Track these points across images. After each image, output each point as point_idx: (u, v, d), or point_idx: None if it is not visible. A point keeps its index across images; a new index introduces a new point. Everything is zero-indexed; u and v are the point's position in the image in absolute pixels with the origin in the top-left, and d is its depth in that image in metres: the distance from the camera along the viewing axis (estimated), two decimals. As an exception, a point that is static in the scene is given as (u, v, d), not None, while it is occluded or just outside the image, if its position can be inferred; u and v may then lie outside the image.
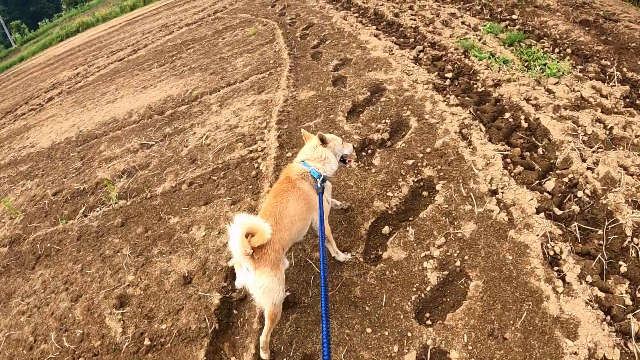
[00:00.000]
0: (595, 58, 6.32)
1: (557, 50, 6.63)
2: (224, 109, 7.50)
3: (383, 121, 5.52)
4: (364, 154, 5.18)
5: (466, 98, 5.64)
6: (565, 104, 5.20)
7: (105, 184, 6.32)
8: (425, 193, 4.36)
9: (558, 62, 5.97)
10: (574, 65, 6.07)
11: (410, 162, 4.78)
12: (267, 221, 2.65)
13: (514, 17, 7.97)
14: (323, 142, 3.24)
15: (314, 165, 3.14)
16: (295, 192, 2.97)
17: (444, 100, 5.62)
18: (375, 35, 8.28)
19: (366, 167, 4.90)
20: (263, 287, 2.58)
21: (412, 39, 7.84)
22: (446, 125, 5.17)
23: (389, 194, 4.35)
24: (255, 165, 5.55)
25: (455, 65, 6.55)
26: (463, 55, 6.76)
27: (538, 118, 5.03)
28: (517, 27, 7.51)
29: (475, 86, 5.94)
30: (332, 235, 3.47)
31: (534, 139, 4.90)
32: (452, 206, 3.97)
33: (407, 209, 4.22)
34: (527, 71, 6.04)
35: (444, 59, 6.87)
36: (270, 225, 2.60)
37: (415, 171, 4.59)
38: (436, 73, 6.39)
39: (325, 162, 3.18)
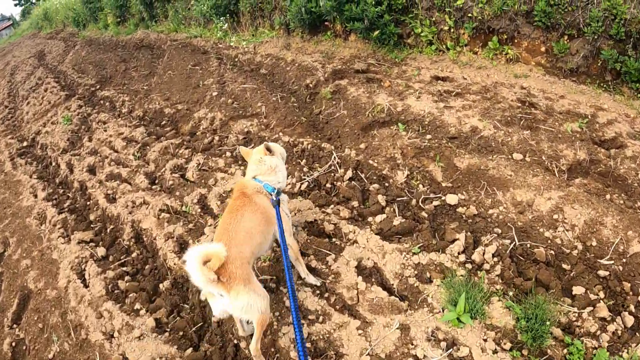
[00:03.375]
0: None
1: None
2: None
3: None
4: None
5: None
6: None
7: None
8: None
9: None
10: None
11: None
12: (220, 240, 2.50)
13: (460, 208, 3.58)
14: (269, 151, 2.99)
15: (265, 179, 2.92)
16: (250, 206, 2.76)
17: None
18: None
19: None
20: (244, 306, 2.39)
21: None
22: None
23: None
24: None
25: None
26: None
27: None
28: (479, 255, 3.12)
29: None
30: (299, 254, 3.10)
31: None
32: None
33: None
34: None
35: None
36: (224, 243, 2.42)
37: None
38: None
39: (277, 170, 2.97)
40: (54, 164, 6.98)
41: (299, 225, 3.59)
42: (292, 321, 2.09)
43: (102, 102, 8.75)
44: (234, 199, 2.83)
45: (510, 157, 3.86)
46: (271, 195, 2.84)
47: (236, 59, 7.74)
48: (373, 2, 5.35)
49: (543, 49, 4.72)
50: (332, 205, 3.72)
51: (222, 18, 8.82)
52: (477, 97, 4.58)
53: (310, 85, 5.76)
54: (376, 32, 5.63)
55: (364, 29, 5.65)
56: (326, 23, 6.69)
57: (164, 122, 6.49)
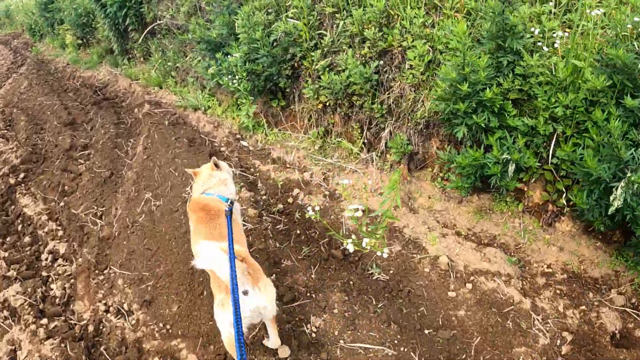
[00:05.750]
0: None
1: None
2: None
3: None
4: None
5: None
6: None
7: None
8: None
9: None
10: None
11: None
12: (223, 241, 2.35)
13: None
14: (217, 166, 3.00)
15: (216, 191, 2.88)
16: (223, 215, 2.65)
17: None
18: None
19: None
20: (273, 296, 2.27)
21: None
22: None
23: None
24: None
25: None
26: None
27: None
28: None
29: None
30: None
31: None
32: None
33: None
34: None
35: None
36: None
37: None
38: None
39: (227, 183, 2.97)
40: None
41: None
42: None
43: (18, 225, 4.57)
44: (202, 211, 2.67)
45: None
46: (225, 204, 2.77)
47: (290, 202, 3.96)
48: None
49: None
50: None
51: (254, 101, 5.03)
52: None
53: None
54: None
55: None
56: (520, 185, 3.08)
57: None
